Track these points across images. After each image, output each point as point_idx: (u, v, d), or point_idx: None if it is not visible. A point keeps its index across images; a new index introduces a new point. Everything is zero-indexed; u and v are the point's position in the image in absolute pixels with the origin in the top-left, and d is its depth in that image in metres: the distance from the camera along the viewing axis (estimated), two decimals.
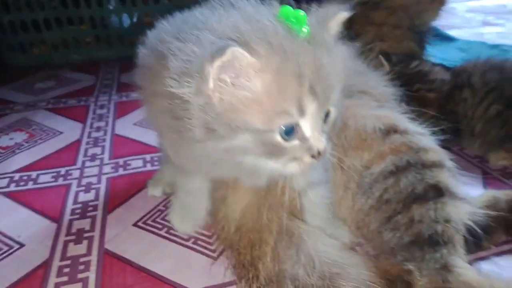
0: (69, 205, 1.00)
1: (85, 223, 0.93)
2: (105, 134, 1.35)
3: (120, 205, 0.99)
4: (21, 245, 0.88)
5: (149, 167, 1.14)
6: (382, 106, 0.87)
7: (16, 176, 1.13)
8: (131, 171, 1.14)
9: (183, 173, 0.79)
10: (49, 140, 1.33)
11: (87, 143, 1.30)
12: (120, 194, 1.04)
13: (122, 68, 1.96)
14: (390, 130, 0.78)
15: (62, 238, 0.89)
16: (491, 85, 1.07)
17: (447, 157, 0.80)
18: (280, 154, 0.56)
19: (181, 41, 0.57)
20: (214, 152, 0.58)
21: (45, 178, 1.12)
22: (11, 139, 1.34)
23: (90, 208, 0.98)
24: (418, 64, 1.22)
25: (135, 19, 2.05)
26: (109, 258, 0.83)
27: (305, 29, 0.53)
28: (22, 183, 1.10)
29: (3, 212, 0.99)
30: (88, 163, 1.18)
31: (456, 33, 2.17)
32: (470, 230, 0.75)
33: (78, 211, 0.98)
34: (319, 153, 0.56)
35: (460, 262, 0.71)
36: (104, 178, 1.11)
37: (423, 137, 0.80)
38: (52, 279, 0.79)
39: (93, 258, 0.83)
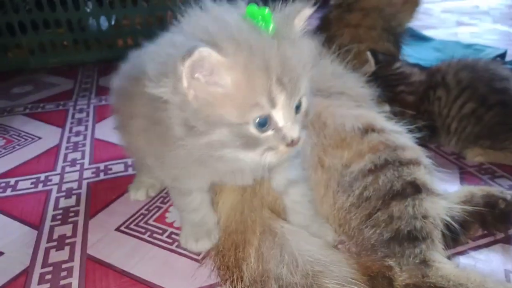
0: (50, 211, 0.99)
1: (66, 229, 0.92)
2: (84, 138, 1.34)
3: (102, 210, 0.99)
4: (1, 253, 0.87)
5: (130, 171, 1.13)
6: (360, 106, 0.89)
7: None
8: (112, 175, 1.13)
9: (181, 194, 0.79)
10: (27, 145, 1.31)
11: (67, 148, 1.28)
12: (101, 199, 1.03)
13: (101, 71, 1.93)
14: (368, 129, 0.80)
15: (43, 244, 0.88)
16: (464, 84, 1.11)
17: (424, 155, 0.82)
18: (256, 145, 0.58)
19: (157, 45, 0.61)
20: (196, 149, 0.60)
21: (24, 184, 1.10)
22: None
23: (72, 214, 0.97)
24: (400, 65, 1.25)
25: (113, 22, 2.03)
26: (91, 264, 0.83)
27: (270, 26, 0.55)
28: (0, 190, 1.08)
29: None
30: (68, 168, 1.17)
31: (431, 33, 2.22)
32: (447, 225, 0.77)
33: (59, 217, 0.97)
34: (293, 141, 0.59)
35: (438, 257, 0.73)
36: (85, 183, 1.09)
37: (400, 136, 0.82)
38: (34, 287, 0.78)
39: (76, 264, 0.83)
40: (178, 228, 0.90)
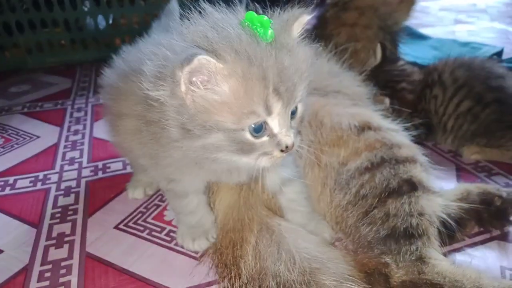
0: (49, 210, 0.99)
1: (65, 227, 0.93)
2: (83, 137, 1.34)
3: (101, 208, 0.99)
4: (0, 251, 0.87)
5: (128, 169, 1.14)
6: (356, 104, 0.90)
7: None
8: (111, 174, 1.13)
9: (177, 197, 0.80)
10: (25, 144, 1.31)
11: (65, 146, 1.29)
12: (100, 197, 1.03)
13: (99, 71, 1.93)
14: (365, 127, 0.81)
15: (42, 243, 0.89)
16: (460, 82, 1.11)
17: (420, 153, 0.83)
18: (251, 150, 0.59)
19: (154, 46, 0.61)
20: (191, 150, 0.60)
21: (23, 183, 1.11)
22: None
23: (70, 212, 0.98)
24: (404, 63, 1.25)
25: (110, 21, 2.03)
26: (90, 261, 0.83)
27: (269, 33, 0.56)
28: None
29: None
30: (66, 167, 1.17)
31: (429, 31, 2.22)
32: (443, 223, 0.78)
33: (58, 215, 0.97)
34: (287, 147, 0.60)
35: (434, 254, 0.73)
36: (83, 182, 1.10)
37: (396, 134, 0.83)
38: (33, 284, 0.78)
39: (75, 261, 0.83)
40: (176, 226, 0.91)
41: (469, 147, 1.14)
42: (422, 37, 2.06)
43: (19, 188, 1.08)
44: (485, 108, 1.08)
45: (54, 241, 0.89)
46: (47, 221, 0.95)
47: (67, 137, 1.35)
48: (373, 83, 1.08)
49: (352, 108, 0.87)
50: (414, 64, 1.45)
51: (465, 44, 1.95)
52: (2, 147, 1.29)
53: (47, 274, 0.81)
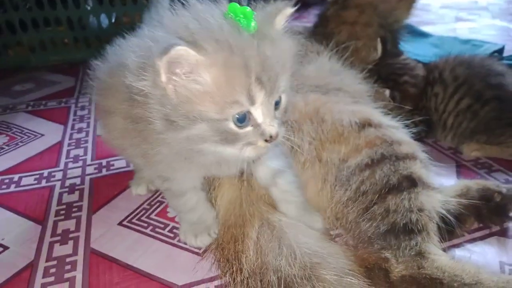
0: (53, 207, 1.00)
1: (70, 224, 0.94)
2: (87, 135, 1.35)
3: (105, 205, 1.00)
4: (5, 248, 0.88)
5: (132, 166, 1.14)
6: (357, 102, 0.90)
7: None
8: (115, 171, 1.15)
9: (175, 196, 0.80)
10: (30, 142, 1.32)
11: (69, 144, 1.30)
12: (104, 194, 1.04)
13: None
14: (365, 124, 0.81)
15: (47, 239, 0.90)
16: (461, 80, 1.12)
17: (420, 149, 0.83)
18: (235, 140, 0.60)
19: (138, 38, 0.63)
20: (176, 142, 0.61)
21: (28, 180, 1.12)
22: None
23: (75, 209, 0.99)
24: (407, 58, 1.26)
25: (113, 20, 2.04)
26: (95, 257, 0.84)
27: (252, 24, 0.56)
28: (4, 186, 1.09)
29: None
30: (71, 165, 1.18)
31: (430, 29, 2.22)
32: (443, 218, 0.79)
33: (62, 212, 0.98)
34: (271, 137, 0.60)
35: (434, 249, 0.74)
36: (87, 179, 1.11)
37: (396, 130, 0.83)
38: (39, 280, 0.80)
39: (79, 257, 0.85)
40: (179, 223, 0.92)
41: (469, 144, 1.15)
42: (423, 35, 2.06)
43: (24, 186, 1.10)
44: (484, 105, 1.08)
45: (59, 238, 0.90)
46: (52, 218, 0.96)
47: (71, 135, 1.36)
48: (376, 77, 1.08)
49: (353, 105, 0.87)
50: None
51: (466, 41, 1.95)
52: (7, 145, 1.30)
53: (52, 270, 0.82)
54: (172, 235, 0.90)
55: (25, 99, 1.66)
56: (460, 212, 0.84)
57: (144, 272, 0.80)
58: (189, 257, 0.84)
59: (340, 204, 0.81)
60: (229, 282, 0.75)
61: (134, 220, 0.95)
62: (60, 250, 0.87)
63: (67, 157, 1.23)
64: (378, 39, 1.23)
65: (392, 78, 1.16)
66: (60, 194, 1.05)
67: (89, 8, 1.99)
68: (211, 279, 0.78)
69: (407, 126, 0.87)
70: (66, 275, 0.80)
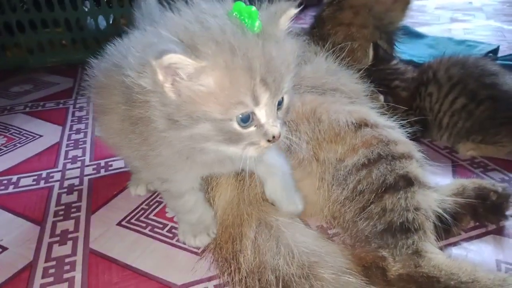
0: (52, 207, 1.01)
1: (69, 224, 0.94)
2: (85, 136, 1.36)
3: (103, 205, 1.01)
4: (4, 249, 0.89)
5: (129, 167, 1.15)
6: (353, 102, 0.91)
7: None
8: (113, 171, 1.15)
9: (173, 197, 0.80)
10: (28, 143, 1.32)
11: (67, 145, 1.30)
12: (103, 194, 1.05)
13: None
14: (362, 124, 0.82)
15: (46, 239, 0.90)
16: (455, 80, 1.13)
17: (416, 149, 0.84)
18: (239, 140, 0.60)
19: (141, 33, 0.62)
20: (177, 141, 0.61)
21: (26, 181, 1.12)
22: None
23: (74, 209, 1.00)
24: (397, 63, 1.27)
25: (111, 21, 2.04)
26: (94, 258, 0.85)
27: (257, 24, 0.56)
28: (2, 187, 1.10)
29: None
30: (69, 165, 1.19)
31: (425, 29, 2.23)
32: (440, 217, 0.79)
33: (61, 212, 0.99)
34: (274, 137, 0.60)
35: (431, 248, 0.75)
36: (86, 180, 1.11)
37: (393, 130, 0.84)
38: (38, 280, 0.80)
39: (78, 258, 0.85)
40: (178, 223, 0.92)
41: (464, 144, 1.16)
42: (418, 36, 2.08)
43: (22, 187, 1.10)
44: (479, 105, 1.09)
45: (58, 238, 0.91)
46: (50, 219, 0.97)
47: (69, 136, 1.36)
48: (369, 81, 1.09)
49: (350, 105, 0.88)
50: (410, 62, 1.46)
51: (461, 42, 1.97)
52: (5, 146, 1.31)
53: (51, 270, 0.82)
54: (171, 235, 0.90)
55: (23, 100, 1.66)
56: (456, 211, 0.85)
57: (143, 272, 0.81)
58: (187, 257, 0.84)
59: (337, 203, 0.81)
60: (228, 281, 0.75)
61: (133, 220, 0.95)
62: (59, 250, 0.87)
63: (65, 158, 1.23)
64: (371, 45, 1.24)
65: (384, 83, 1.17)
66: (59, 195, 1.05)
67: (86, 9, 2.00)
68: (210, 279, 0.78)
69: (403, 126, 0.88)
70: (65, 275, 0.81)
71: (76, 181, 1.11)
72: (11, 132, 1.40)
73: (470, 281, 0.68)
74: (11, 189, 1.09)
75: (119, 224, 0.94)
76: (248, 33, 0.56)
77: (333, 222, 0.85)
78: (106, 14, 2.01)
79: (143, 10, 0.97)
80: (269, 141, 0.61)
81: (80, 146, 1.29)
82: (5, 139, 1.36)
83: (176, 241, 0.88)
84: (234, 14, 0.57)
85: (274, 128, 0.60)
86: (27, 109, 1.58)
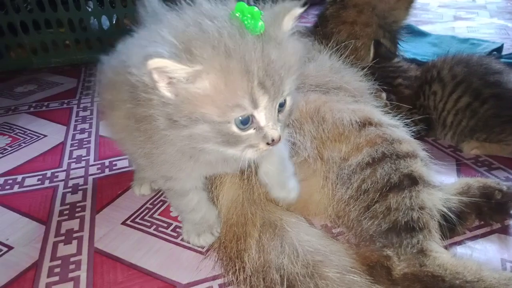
0: (57, 207, 1.01)
1: (73, 224, 0.95)
2: (89, 135, 1.36)
3: (108, 205, 1.01)
4: (10, 248, 0.89)
5: (133, 166, 1.15)
6: (357, 100, 0.91)
7: (1, 180, 1.13)
8: (117, 171, 1.15)
9: (177, 195, 0.80)
10: (33, 143, 1.33)
11: (72, 145, 1.30)
12: (107, 194, 1.05)
13: None
14: (366, 123, 0.82)
15: (51, 239, 0.91)
16: (459, 79, 1.13)
17: (420, 147, 0.84)
18: (237, 142, 0.59)
19: (147, 31, 0.63)
20: (178, 140, 0.61)
21: (31, 181, 1.13)
22: None
23: (78, 209, 1.00)
24: (400, 60, 1.27)
25: (114, 21, 2.05)
26: (99, 257, 0.85)
27: (259, 25, 0.55)
28: (7, 187, 1.10)
29: None
30: (73, 165, 1.19)
31: (429, 28, 2.23)
32: (444, 216, 0.79)
33: (66, 212, 0.99)
34: (273, 140, 0.60)
35: (435, 247, 0.75)
36: (90, 179, 1.12)
37: (397, 129, 0.84)
38: (43, 280, 0.80)
39: (84, 257, 0.85)
40: (182, 223, 0.92)
41: (468, 142, 1.16)
42: (421, 34, 2.07)
43: (27, 186, 1.10)
44: (483, 103, 1.09)
45: (63, 237, 0.91)
46: (55, 218, 0.97)
47: (73, 135, 1.37)
48: (373, 79, 1.09)
49: (353, 104, 0.88)
50: (413, 60, 1.46)
51: (465, 40, 1.96)
52: (10, 146, 1.31)
53: (57, 270, 0.82)
54: (175, 234, 0.90)
55: (28, 101, 1.67)
56: (461, 209, 0.85)
57: (148, 271, 0.81)
58: (192, 256, 0.84)
59: (342, 202, 0.81)
60: (232, 280, 0.75)
61: (137, 220, 0.95)
62: (64, 249, 0.88)
63: (70, 157, 1.23)
64: (372, 43, 1.24)
65: (386, 81, 1.17)
66: (64, 194, 1.06)
67: (90, 9, 2.00)
68: (214, 278, 0.79)
69: (407, 124, 0.88)
70: (71, 275, 0.81)
71: (81, 181, 1.11)
72: (15, 132, 1.41)
73: (475, 280, 0.68)
74: (16, 188, 1.10)
75: (123, 223, 0.94)
76: (247, 35, 0.55)
77: (338, 221, 0.85)
78: (109, 14, 2.01)
79: (147, 8, 0.96)
80: (268, 143, 0.60)
81: (84, 146, 1.29)
82: (10, 139, 1.36)
83: (181, 240, 0.88)
84: (236, 15, 0.56)
85: (274, 131, 0.59)
86: (31, 109, 1.58)
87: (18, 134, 1.39)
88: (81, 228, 0.93)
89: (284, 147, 0.77)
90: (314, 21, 1.40)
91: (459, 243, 0.85)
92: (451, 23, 2.45)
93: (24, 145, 1.32)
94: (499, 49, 1.78)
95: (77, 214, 0.98)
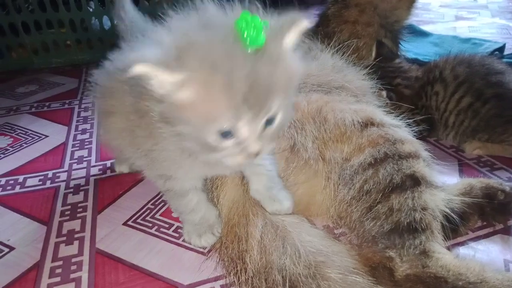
0: (58, 207, 1.01)
1: (75, 224, 0.95)
2: (91, 136, 1.36)
3: (110, 205, 1.01)
4: (11, 248, 0.89)
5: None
6: (359, 100, 0.91)
7: (2, 180, 1.13)
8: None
9: (176, 196, 0.80)
10: (34, 144, 1.33)
11: (73, 145, 1.30)
12: (109, 194, 1.05)
13: None
14: (368, 123, 0.82)
15: (52, 239, 0.90)
16: (461, 79, 1.12)
17: (423, 148, 0.83)
18: (215, 150, 0.59)
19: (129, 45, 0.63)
20: (171, 135, 0.61)
21: (33, 181, 1.12)
22: None
23: (80, 209, 1.00)
24: (400, 61, 1.27)
25: (115, 21, 2.04)
26: (100, 257, 0.85)
27: (260, 37, 0.54)
28: (9, 188, 1.10)
29: None
30: (75, 166, 1.19)
31: (430, 28, 2.22)
32: (447, 217, 0.79)
33: (67, 212, 0.99)
34: (252, 154, 0.59)
35: (438, 248, 0.74)
36: (92, 180, 1.12)
37: (399, 129, 0.83)
38: (45, 280, 0.80)
39: (85, 258, 0.85)
40: (182, 223, 0.92)
41: (471, 143, 1.15)
42: (423, 34, 2.07)
43: (29, 187, 1.10)
44: (485, 103, 1.09)
45: (64, 238, 0.91)
46: (57, 218, 0.97)
47: (75, 136, 1.37)
48: (376, 77, 1.09)
49: (355, 104, 0.88)
50: (415, 61, 1.46)
51: (466, 40, 1.96)
52: (11, 147, 1.31)
53: (58, 270, 0.82)
54: (176, 235, 0.90)
55: (29, 101, 1.66)
56: (463, 210, 0.84)
57: (150, 271, 0.81)
58: (194, 257, 0.84)
59: (344, 203, 0.81)
60: (234, 281, 0.75)
61: (139, 220, 0.95)
62: (65, 250, 0.87)
63: (71, 158, 1.23)
64: (375, 43, 1.24)
65: (386, 81, 1.17)
66: (65, 195, 1.06)
67: (91, 10, 2.00)
68: (216, 279, 0.78)
69: (409, 125, 0.87)
70: (72, 275, 0.81)
71: (82, 181, 1.11)
72: (17, 132, 1.40)
73: (479, 281, 0.68)
74: (17, 189, 1.09)
75: (125, 224, 0.94)
76: (239, 49, 0.53)
77: (340, 222, 0.84)
78: (111, 14, 2.01)
79: (125, 21, 0.97)
80: (247, 156, 0.60)
81: (86, 147, 1.29)
82: (11, 139, 1.36)
83: (182, 241, 0.88)
84: (238, 25, 0.54)
85: (255, 145, 0.59)
86: (33, 110, 1.58)
87: (20, 134, 1.39)
88: (83, 229, 0.93)
89: (271, 164, 0.79)
90: (315, 21, 1.40)
91: (462, 244, 0.85)
92: (453, 23, 2.45)
93: (25, 145, 1.32)
94: (501, 49, 1.77)
95: (78, 215, 0.98)
